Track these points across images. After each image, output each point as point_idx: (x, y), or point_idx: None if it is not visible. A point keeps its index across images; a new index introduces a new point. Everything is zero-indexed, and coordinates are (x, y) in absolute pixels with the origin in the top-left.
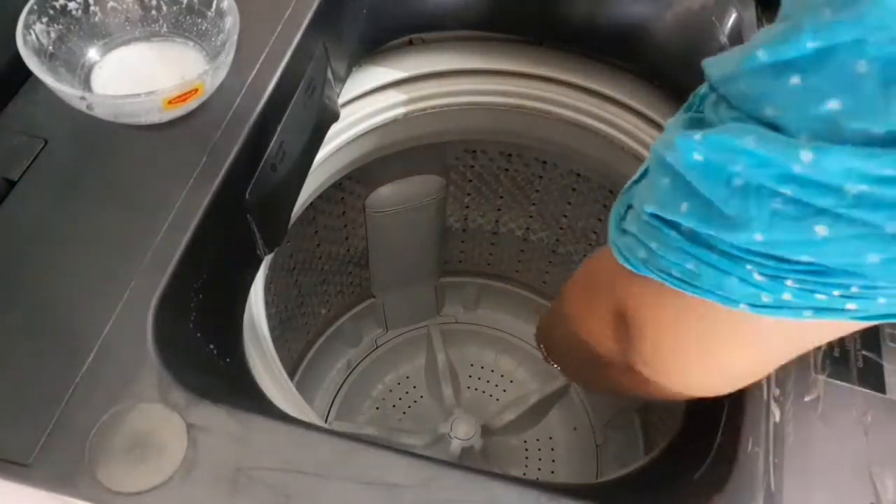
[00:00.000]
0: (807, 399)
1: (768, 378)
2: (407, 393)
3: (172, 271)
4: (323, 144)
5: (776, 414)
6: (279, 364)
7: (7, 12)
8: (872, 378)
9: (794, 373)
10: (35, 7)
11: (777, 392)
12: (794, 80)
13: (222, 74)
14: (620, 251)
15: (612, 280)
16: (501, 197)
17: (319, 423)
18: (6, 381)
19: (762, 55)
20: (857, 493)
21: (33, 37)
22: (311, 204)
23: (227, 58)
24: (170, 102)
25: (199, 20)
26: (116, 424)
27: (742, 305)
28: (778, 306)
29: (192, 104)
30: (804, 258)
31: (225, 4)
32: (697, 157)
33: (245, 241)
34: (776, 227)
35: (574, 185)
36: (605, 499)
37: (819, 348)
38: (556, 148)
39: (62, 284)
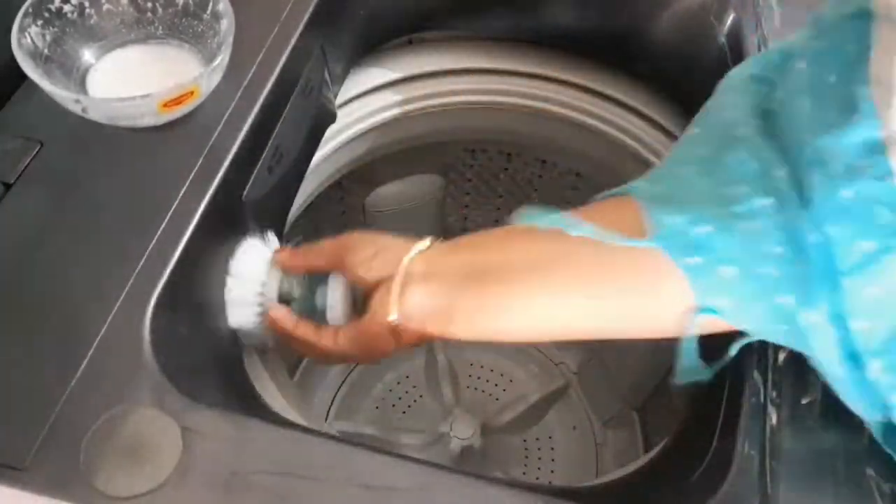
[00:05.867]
0: (804, 402)
1: (765, 381)
2: (407, 392)
3: (169, 274)
4: (322, 144)
5: (773, 417)
6: (280, 363)
7: (2, 15)
8: None
9: (791, 376)
10: (30, 10)
11: (774, 395)
12: None
13: (218, 77)
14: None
15: None
16: (501, 196)
17: (320, 423)
18: (1, 384)
19: None
20: (854, 498)
21: (28, 40)
22: (311, 204)
23: (223, 60)
24: (165, 105)
25: (195, 22)
26: (112, 428)
27: None
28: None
29: (187, 107)
30: None
31: (220, 7)
32: None
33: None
34: None
35: (573, 184)
36: (601, 503)
37: None
38: (555, 147)
39: (57, 288)
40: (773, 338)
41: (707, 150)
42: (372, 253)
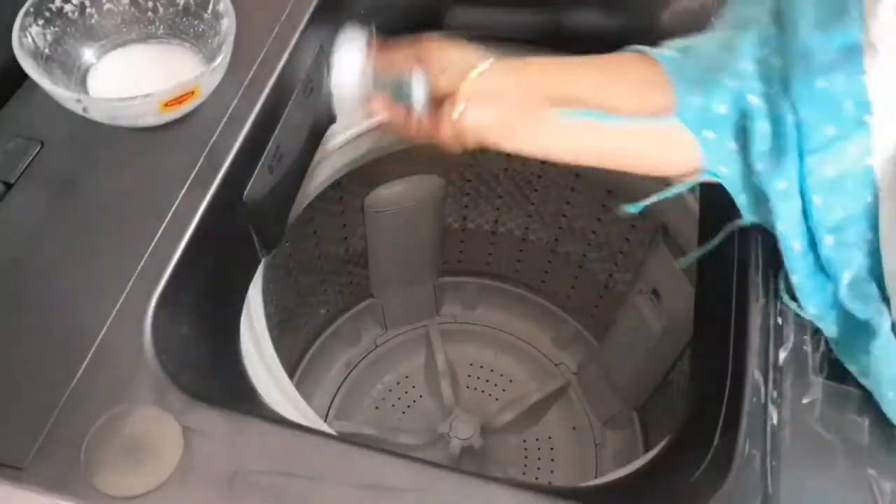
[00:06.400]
0: (805, 401)
1: (766, 381)
2: (406, 392)
3: (169, 274)
4: (322, 144)
5: (774, 416)
6: (278, 364)
7: (2, 15)
8: None
9: (791, 375)
10: (31, 9)
11: (775, 394)
12: None
13: (219, 76)
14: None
15: None
16: (500, 197)
17: (319, 422)
18: (2, 384)
19: None
20: (854, 497)
21: (29, 39)
22: (311, 204)
23: (224, 60)
24: (166, 105)
25: (196, 22)
26: (112, 428)
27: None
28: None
29: (188, 106)
30: None
31: (221, 6)
32: None
33: (242, 242)
34: None
35: (573, 184)
36: (601, 502)
37: (817, 350)
38: None
39: (59, 287)
40: (757, 212)
41: (726, 33)
42: (441, 67)
